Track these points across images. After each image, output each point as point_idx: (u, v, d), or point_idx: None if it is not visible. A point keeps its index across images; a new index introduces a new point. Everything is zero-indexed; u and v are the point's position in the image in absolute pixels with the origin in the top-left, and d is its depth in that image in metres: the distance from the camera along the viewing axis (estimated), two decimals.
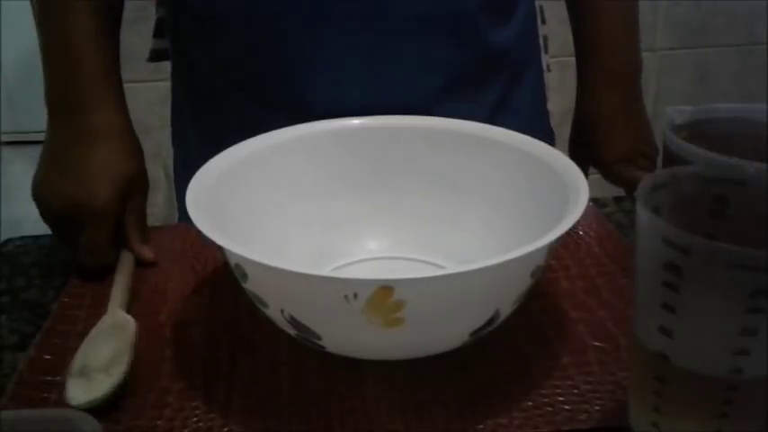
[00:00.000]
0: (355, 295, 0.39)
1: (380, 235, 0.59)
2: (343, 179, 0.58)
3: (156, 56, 0.75)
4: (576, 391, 0.45)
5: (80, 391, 0.44)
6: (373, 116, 0.59)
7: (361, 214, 0.58)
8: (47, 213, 0.59)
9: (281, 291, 0.43)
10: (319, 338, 0.44)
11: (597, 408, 0.43)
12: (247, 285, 0.45)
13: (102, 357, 0.47)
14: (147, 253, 0.59)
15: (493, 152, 0.56)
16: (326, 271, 0.53)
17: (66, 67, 0.59)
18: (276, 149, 0.56)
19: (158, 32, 0.75)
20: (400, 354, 0.46)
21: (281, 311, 0.43)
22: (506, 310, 0.45)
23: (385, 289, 0.39)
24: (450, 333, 0.44)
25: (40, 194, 0.59)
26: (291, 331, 0.45)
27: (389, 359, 0.46)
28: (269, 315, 0.45)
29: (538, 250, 0.41)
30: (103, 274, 0.57)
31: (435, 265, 0.56)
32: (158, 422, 0.43)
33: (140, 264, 0.59)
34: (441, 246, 0.57)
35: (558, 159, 0.52)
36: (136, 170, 0.60)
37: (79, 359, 0.47)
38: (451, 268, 0.40)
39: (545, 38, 0.78)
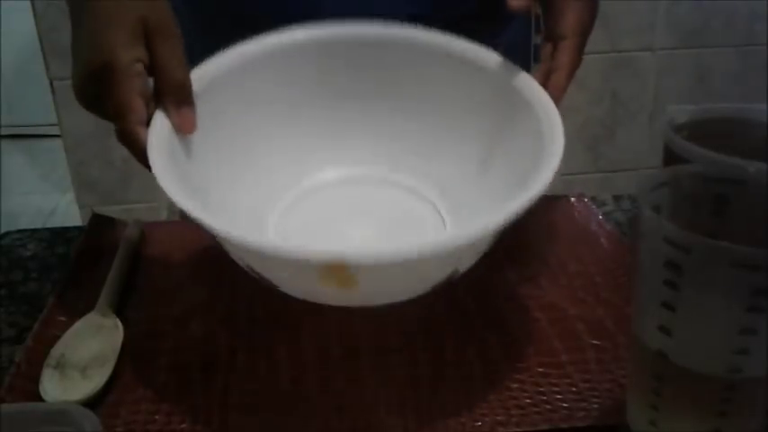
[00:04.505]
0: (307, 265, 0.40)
1: (355, 157, 0.59)
2: (313, 96, 0.57)
3: None
4: (574, 389, 0.45)
5: (53, 386, 0.44)
6: (344, 24, 0.57)
7: (337, 134, 0.58)
8: (74, 80, 0.51)
9: (238, 252, 0.44)
10: (278, 287, 0.45)
11: (595, 406, 0.43)
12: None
13: (82, 355, 0.47)
14: (182, 117, 0.50)
15: (474, 76, 0.56)
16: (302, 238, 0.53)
17: None
18: (242, 68, 0.54)
19: None
20: (360, 304, 0.47)
21: (240, 260, 0.45)
22: (467, 266, 0.46)
23: (336, 266, 0.40)
24: (407, 289, 0.45)
25: (72, 60, 0.52)
26: (253, 275, 0.46)
27: (350, 306, 0.48)
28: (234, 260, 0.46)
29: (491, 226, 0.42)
30: (102, 264, 0.57)
31: (409, 189, 0.57)
32: (156, 417, 0.43)
33: (139, 258, 0.59)
34: (417, 166, 0.57)
35: (539, 97, 0.52)
36: (150, 11, 0.51)
37: (59, 350, 0.47)
38: (403, 246, 0.40)
39: (538, 46, 0.77)
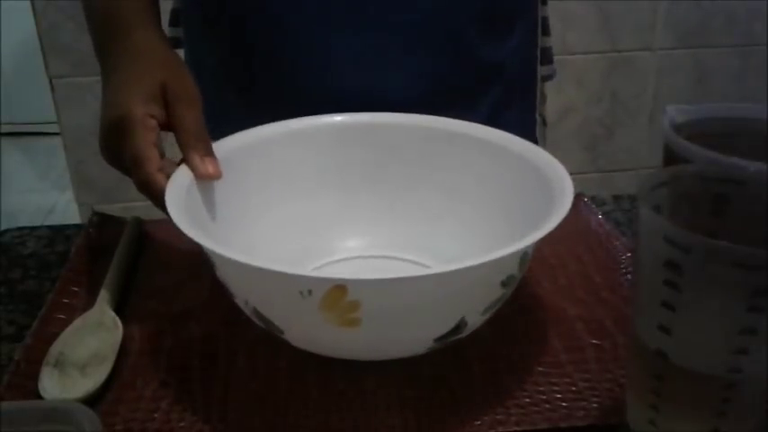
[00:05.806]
0: (310, 292, 0.39)
1: (368, 233, 0.58)
2: (331, 176, 0.58)
3: (171, 44, 0.76)
4: (573, 388, 0.45)
5: (52, 384, 0.44)
6: (357, 113, 0.59)
7: (350, 212, 0.58)
8: (100, 141, 0.56)
9: (243, 283, 0.44)
10: (282, 333, 0.44)
11: (595, 405, 0.43)
12: (218, 273, 0.45)
13: (81, 354, 0.47)
14: (207, 166, 0.51)
15: (482, 151, 0.56)
16: (302, 268, 0.53)
17: (105, 5, 0.61)
18: (262, 145, 0.56)
19: (173, 22, 0.77)
20: (362, 354, 0.45)
21: (246, 303, 0.44)
22: (475, 318, 0.44)
23: (338, 288, 0.39)
24: (411, 337, 0.44)
25: (100, 122, 0.56)
26: (259, 323, 0.45)
27: (353, 359, 0.46)
28: (238, 304, 0.46)
29: (499, 260, 0.40)
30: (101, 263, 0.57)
31: (422, 264, 0.56)
32: (155, 415, 0.43)
33: (139, 256, 0.59)
34: (428, 244, 0.57)
35: (545, 161, 0.51)
36: (170, 77, 0.55)
37: (58, 347, 0.47)
38: (407, 271, 0.39)
39: (547, 49, 0.77)
